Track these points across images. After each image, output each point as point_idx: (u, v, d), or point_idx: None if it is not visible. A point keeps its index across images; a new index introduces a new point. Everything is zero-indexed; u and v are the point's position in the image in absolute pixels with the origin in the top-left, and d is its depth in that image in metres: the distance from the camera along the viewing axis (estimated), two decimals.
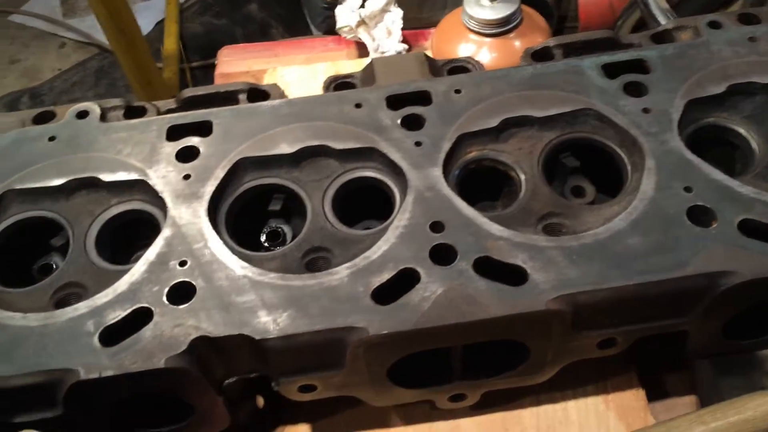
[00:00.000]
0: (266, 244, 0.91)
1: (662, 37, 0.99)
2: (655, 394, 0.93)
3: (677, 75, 0.91)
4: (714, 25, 0.96)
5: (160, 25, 3.51)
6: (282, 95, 0.99)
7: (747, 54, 0.92)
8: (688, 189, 0.80)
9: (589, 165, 0.91)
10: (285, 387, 0.79)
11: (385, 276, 0.76)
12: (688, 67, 0.92)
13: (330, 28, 2.26)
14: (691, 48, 0.94)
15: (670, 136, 0.85)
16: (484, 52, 1.26)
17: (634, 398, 0.90)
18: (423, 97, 0.93)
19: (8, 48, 3.66)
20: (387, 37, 1.37)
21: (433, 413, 0.92)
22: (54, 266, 0.89)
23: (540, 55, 0.99)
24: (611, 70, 0.93)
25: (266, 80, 1.39)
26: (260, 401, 1.00)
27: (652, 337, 0.85)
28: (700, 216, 0.78)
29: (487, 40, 1.24)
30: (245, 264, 0.79)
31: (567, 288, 0.73)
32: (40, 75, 3.51)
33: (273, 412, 0.95)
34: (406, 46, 1.39)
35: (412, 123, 0.90)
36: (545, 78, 0.93)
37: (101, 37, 3.52)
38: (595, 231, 0.78)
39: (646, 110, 0.88)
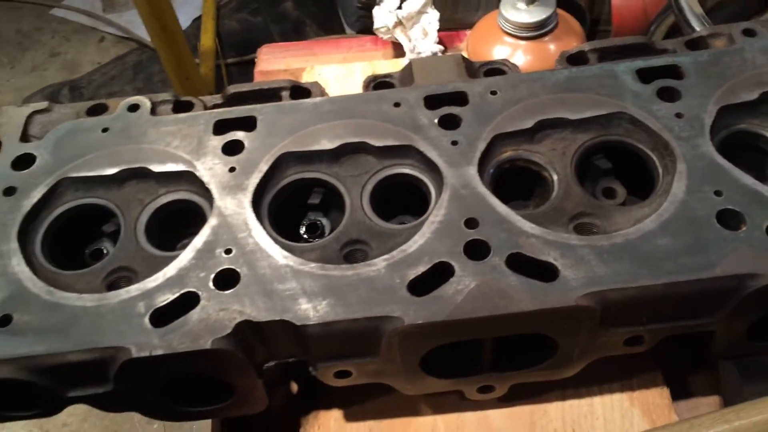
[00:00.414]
0: (305, 236, 0.95)
1: (696, 44, 1.01)
2: (679, 394, 0.95)
3: (711, 81, 0.93)
4: (748, 33, 0.98)
5: (197, 21, 3.57)
6: (323, 93, 1.03)
7: None
8: (718, 193, 0.82)
9: (621, 167, 0.93)
10: (322, 372, 0.83)
11: (421, 269, 0.80)
12: (721, 74, 0.94)
13: (363, 27, 2.30)
14: (725, 55, 0.96)
15: (702, 141, 0.87)
16: (519, 55, 1.28)
17: (659, 396, 0.92)
18: (460, 98, 0.96)
19: (50, 41, 3.76)
20: (423, 38, 1.40)
21: (462, 404, 0.94)
22: (105, 251, 0.94)
23: (575, 59, 1.01)
24: (645, 75, 0.95)
25: (304, 78, 1.43)
26: (294, 387, 1.04)
27: (678, 337, 0.87)
28: (729, 219, 0.80)
29: (522, 43, 1.27)
30: (287, 253, 0.83)
31: (597, 285, 0.76)
32: (80, 68, 3.60)
33: (306, 398, 0.99)
34: (441, 47, 1.42)
35: (449, 122, 0.93)
36: (580, 81, 0.96)
37: (140, 32, 3.61)
38: (626, 231, 0.80)
39: (678, 115, 0.90)
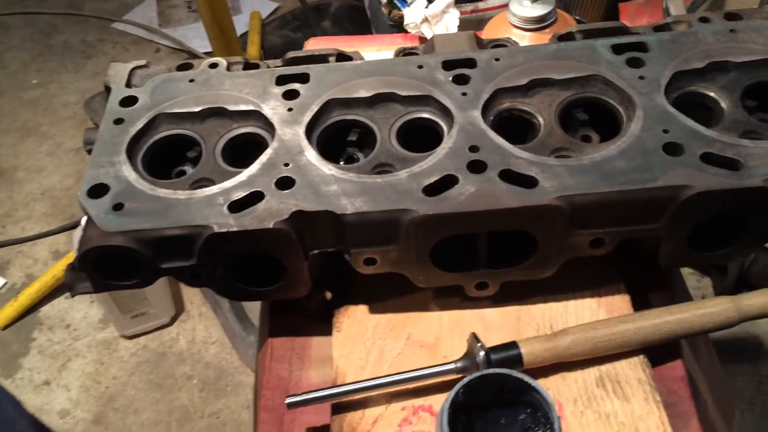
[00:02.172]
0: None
1: (662, 28, 1.26)
2: (639, 305, 1.17)
3: (669, 54, 1.17)
4: (704, 20, 1.23)
5: (244, 36, 3.92)
6: (362, 59, 1.30)
7: (727, 41, 1.18)
8: (665, 131, 1.06)
9: (596, 119, 1.17)
10: (354, 258, 1.08)
11: (434, 178, 1.05)
12: (678, 49, 1.18)
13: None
14: (682, 36, 1.21)
15: (657, 96, 1.11)
16: (525, 44, 1.54)
17: (621, 300, 1.15)
18: (470, 63, 1.22)
19: (110, 50, 4.13)
20: (445, 32, 1.67)
21: (463, 304, 1.18)
22: (186, 172, 1.21)
23: (564, 38, 1.27)
24: (618, 49, 1.20)
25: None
26: (328, 295, 1.28)
27: (638, 252, 1.11)
28: (672, 149, 1.03)
29: (527, 34, 1.52)
30: (331, 166, 1.08)
31: (566, 191, 1.00)
32: None
33: (339, 300, 1.24)
34: None
35: (461, 79, 1.19)
36: (566, 52, 1.21)
37: (191, 45, 3.96)
38: (592, 156, 1.05)
39: (641, 77, 1.14)
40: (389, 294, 1.20)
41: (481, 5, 2.98)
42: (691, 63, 1.16)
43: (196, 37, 3.96)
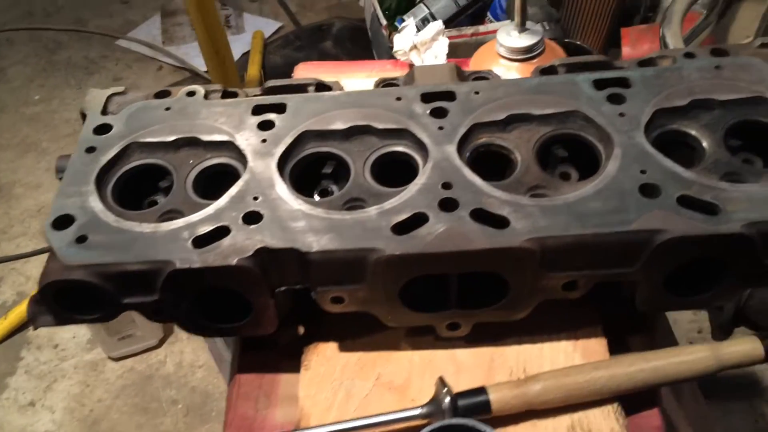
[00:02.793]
0: (318, 199, 1.18)
1: (647, 63, 1.23)
2: (617, 350, 1.14)
3: (651, 90, 1.15)
4: (689, 55, 1.20)
5: (245, 55, 3.93)
6: (342, 89, 1.28)
7: (711, 78, 1.16)
8: (643, 171, 1.03)
9: (575, 156, 1.14)
10: (321, 296, 1.05)
11: (403, 216, 1.02)
12: (661, 85, 1.15)
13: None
14: (666, 71, 1.18)
15: (637, 134, 1.08)
16: (513, 74, 1.52)
17: (597, 344, 1.11)
18: (449, 96, 1.20)
19: (114, 67, 4.15)
20: (434, 60, 1.65)
21: (435, 343, 1.14)
22: (158, 202, 1.18)
23: (547, 71, 1.25)
24: (600, 84, 1.17)
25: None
26: (301, 330, 1.26)
27: (617, 295, 1.08)
28: (649, 190, 1.00)
29: (515, 64, 1.50)
30: (300, 202, 1.06)
31: (538, 233, 0.97)
32: (138, 92, 3.95)
33: (310, 336, 1.21)
34: None
35: (438, 113, 1.17)
36: (547, 87, 1.19)
37: (193, 63, 3.97)
38: (566, 196, 1.02)
39: (621, 114, 1.12)
40: (360, 331, 1.17)
41: (481, 28, 2.97)
42: (674, 100, 1.13)
43: (198, 55, 3.94)
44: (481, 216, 1.01)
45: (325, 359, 1.15)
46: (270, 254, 1.01)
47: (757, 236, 0.94)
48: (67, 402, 2.56)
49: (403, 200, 1.04)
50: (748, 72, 1.15)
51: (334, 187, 1.19)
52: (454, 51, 2.69)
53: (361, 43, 3.71)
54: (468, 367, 1.12)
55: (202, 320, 1.09)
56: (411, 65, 1.73)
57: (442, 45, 1.66)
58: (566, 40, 2.93)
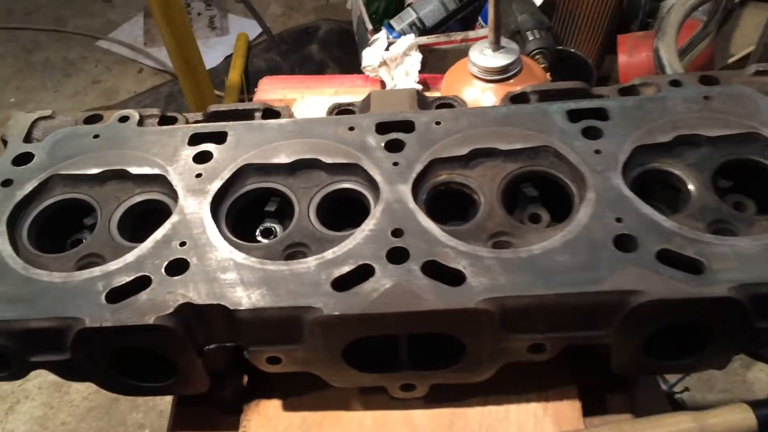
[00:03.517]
0: (259, 239, 1.06)
1: (628, 91, 1.11)
2: (594, 410, 1.02)
3: (632, 123, 1.02)
4: (675, 83, 1.08)
5: (228, 58, 3.79)
6: (291, 116, 1.15)
7: (699, 110, 1.03)
8: (619, 219, 0.91)
9: (546, 195, 1.02)
10: (254, 356, 0.93)
11: (346, 268, 0.90)
12: (643, 118, 1.03)
13: None
14: (649, 102, 1.06)
15: (614, 175, 0.96)
16: (488, 96, 1.39)
17: (570, 408, 0.99)
18: (407, 126, 1.07)
19: (93, 69, 4.02)
20: (405, 77, 1.53)
21: (390, 402, 1.02)
22: (83, 240, 1.06)
23: (517, 99, 1.12)
24: (575, 116, 1.05)
25: (295, 106, 1.56)
26: (245, 380, 1.13)
27: (594, 354, 0.95)
28: (624, 243, 0.88)
29: (490, 85, 1.38)
30: (233, 249, 0.94)
31: (496, 292, 0.85)
32: (117, 96, 3.84)
33: (253, 389, 1.09)
34: (421, 87, 1.55)
35: (394, 146, 1.04)
36: (515, 117, 1.06)
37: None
38: (531, 248, 0.90)
39: (597, 151, 0.99)
40: (308, 386, 1.05)
41: (471, 34, 2.84)
42: (656, 136, 1.01)
43: None
44: (434, 270, 0.89)
45: (266, 420, 1.03)
46: (194, 310, 0.89)
47: (746, 300, 0.82)
48: (29, 425, 2.45)
49: (347, 249, 0.92)
50: (740, 104, 1.03)
51: (277, 227, 1.07)
52: (442, 58, 2.57)
53: (348, 47, 3.58)
54: (425, 429, 1.00)
55: (123, 380, 0.97)
56: (383, 82, 1.61)
57: (415, 60, 1.54)
58: (559, 47, 2.80)
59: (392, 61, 1.54)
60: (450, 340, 0.90)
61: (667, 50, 2.06)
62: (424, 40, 2.42)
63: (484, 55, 1.36)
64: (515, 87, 1.37)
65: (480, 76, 1.37)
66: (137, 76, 3.97)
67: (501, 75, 1.36)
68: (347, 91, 1.64)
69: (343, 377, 0.96)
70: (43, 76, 3.96)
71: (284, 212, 1.07)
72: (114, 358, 0.93)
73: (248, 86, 3.44)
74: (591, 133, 1.02)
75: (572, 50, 3.11)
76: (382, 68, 1.54)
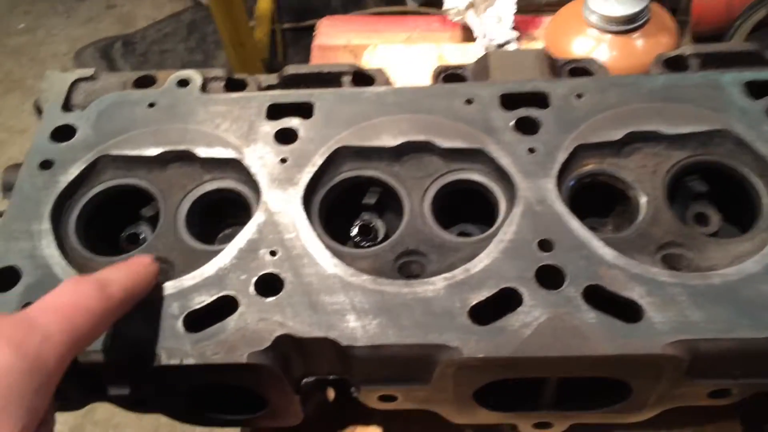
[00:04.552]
0: (356, 239, 0.86)
1: None
2: None
3: None
4: None
5: None
6: (387, 82, 0.94)
7: None
8: None
9: (717, 191, 0.82)
10: (365, 395, 0.76)
11: (485, 293, 0.71)
12: None
13: (426, 1, 2.18)
14: None
15: None
16: (603, 50, 1.17)
17: None
18: (540, 99, 0.86)
19: None
20: (497, 23, 1.29)
21: None
22: (141, 236, 0.88)
23: (674, 63, 0.90)
24: (756, 90, 0.83)
25: (366, 57, 1.34)
26: (330, 394, 0.97)
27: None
28: None
29: (607, 36, 1.15)
30: (337, 261, 0.75)
31: (688, 332, 0.66)
32: (134, 23, 3.56)
33: (343, 409, 0.92)
34: (517, 34, 1.31)
35: (527, 126, 0.84)
36: (679, 90, 0.85)
37: None
38: (725, 271, 0.70)
39: None
40: (414, 414, 0.88)
41: None
42: None
43: None
44: (600, 298, 0.70)
45: None
46: (294, 343, 0.71)
47: None
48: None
49: (483, 265, 0.73)
50: None
51: (378, 223, 0.87)
52: None
53: None
54: None
55: (201, 412, 0.80)
56: (465, 27, 1.37)
57: (508, 4, 1.29)
58: None
59: (481, 3, 1.29)
60: (607, 379, 0.72)
61: None
62: None
63: (606, 1, 1.12)
64: (638, 40, 1.15)
65: (598, 24, 1.14)
66: (155, 0, 3.67)
67: (625, 25, 1.12)
68: (423, 36, 1.41)
69: (467, 416, 0.79)
70: None
71: (385, 205, 0.87)
72: (192, 392, 0.76)
73: (280, 14, 3.15)
74: None
75: None
76: (469, 11, 1.30)
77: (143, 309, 0.72)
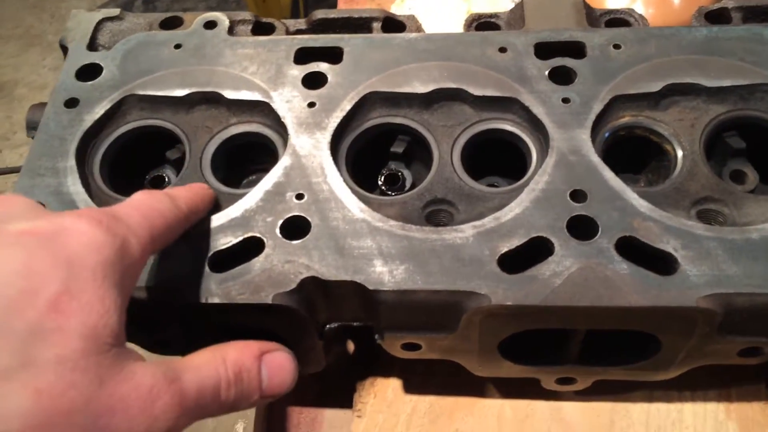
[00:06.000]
0: (383, 187, 0.85)
1: None
2: None
3: None
4: None
5: None
6: (419, 29, 0.92)
7: None
8: None
9: (755, 149, 0.80)
10: (389, 342, 0.75)
11: (515, 242, 0.70)
12: None
13: None
14: None
15: None
16: (638, 6, 1.13)
17: (760, 413, 0.82)
18: (576, 49, 0.84)
19: None
20: None
21: (534, 390, 0.85)
22: (166, 179, 0.87)
23: (715, 17, 0.87)
24: None
25: (392, 7, 1.31)
26: (350, 346, 0.97)
27: None
28: None
29: None
30: (363, 206, 0.74)
31: (723, 286, 0.65)
32: None
33: (363, 361, 0.92)
34: None
35: (561, 76, 0.81)
36: (721, 43, 0.82)
37: None
38: (764, 226, 0.68)
39: None
40: (434, 367, 0.88)
41: None
42: None
43: None
44: (633, 249, 0.68)
45: (385, 404, 0.87)
46: (320, 286, 0.70)
47: None
48: None
49: (513, 214, 0.72)
50: None
51: (405, 172, 0.86)
52: None
53: None
54: (578, 427, 0.83)
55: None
56: None
57: None
58: None
59: None
60: (640, 333, 0.71)
61: None
62: None
63: None
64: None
65: None
66: None
67: None
68: None
69: (490, 368, 0.78)
70: None
71: (413, 154, 0.86)
72: (216, 336, 0.75)
73: None
74: None
75: None
76: None
77: (167, 249, 0.72)
